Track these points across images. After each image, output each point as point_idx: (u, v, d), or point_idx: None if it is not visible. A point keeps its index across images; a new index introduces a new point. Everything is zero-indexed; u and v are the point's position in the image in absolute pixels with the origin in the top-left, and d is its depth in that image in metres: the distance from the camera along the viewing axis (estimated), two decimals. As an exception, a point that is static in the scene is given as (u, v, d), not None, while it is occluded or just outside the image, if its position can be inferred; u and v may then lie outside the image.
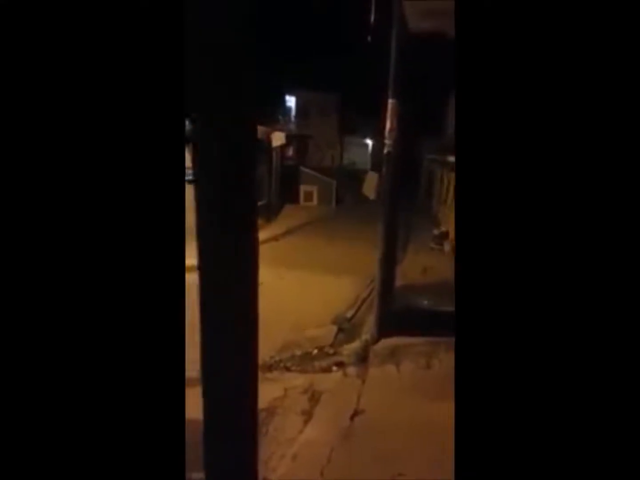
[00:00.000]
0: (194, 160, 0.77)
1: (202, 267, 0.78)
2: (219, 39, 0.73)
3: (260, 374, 3.67)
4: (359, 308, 5.15)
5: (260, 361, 3.95)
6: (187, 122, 0.77)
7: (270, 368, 3.66)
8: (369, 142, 21.64)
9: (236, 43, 0.73)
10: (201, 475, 1.86)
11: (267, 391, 3.25)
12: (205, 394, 0.81)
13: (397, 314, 4.14)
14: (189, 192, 0.80)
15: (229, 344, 0.80)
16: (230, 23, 0.73)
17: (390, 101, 3.74)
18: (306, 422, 2.81)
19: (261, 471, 2.32)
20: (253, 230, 0.79)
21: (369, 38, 4.28)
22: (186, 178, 0.76)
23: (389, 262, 4.06)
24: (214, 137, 0.75)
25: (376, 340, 3.94)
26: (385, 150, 3.91)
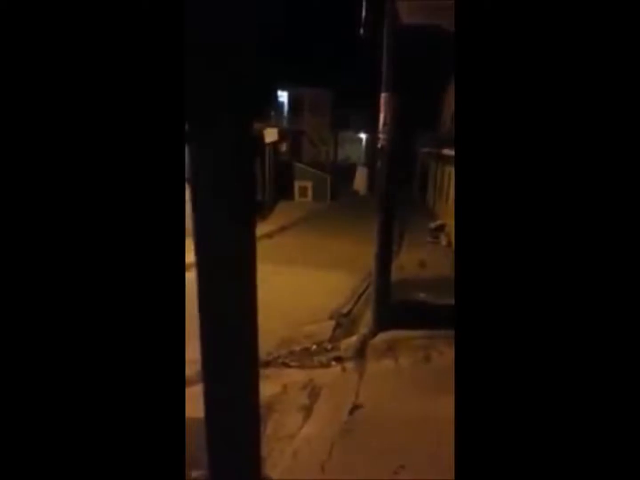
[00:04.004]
0: (192, 159, 0.77)
1: (199, 265, 0.77)
2: (218, 38, 0.72)
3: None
4: (355, 303, 5.16)
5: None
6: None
7: (268, 364, 3.66)
8: (363, 136, 21.62)
9: (236, 42, 0.72)
10: (200, 473, 1.86)
11: (266, 388, 3.26)
12: (206, 392, 0.81)
13: (394, 308, 4.15)
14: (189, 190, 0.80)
15: (229, 342, 0.80)
16: (229, 22, 0.72)
17: (383, 95, 3.73)
18: (306, 417, 2.81)
19: (262, 468, 2.33)
20: (251, 226, 0.79)
21: (361, 31, 4.25)
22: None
23: (385, 257, 4.06)
24: (211, 136, 0.74)
25: (374, 334, 3.95)
26: (379, 144, 3.90)
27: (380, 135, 3.85)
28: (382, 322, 4.00)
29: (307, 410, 2.89)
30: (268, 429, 2.70)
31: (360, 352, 3.72)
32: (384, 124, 3.78)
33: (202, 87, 0.72)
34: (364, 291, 5.37)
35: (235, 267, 0.77)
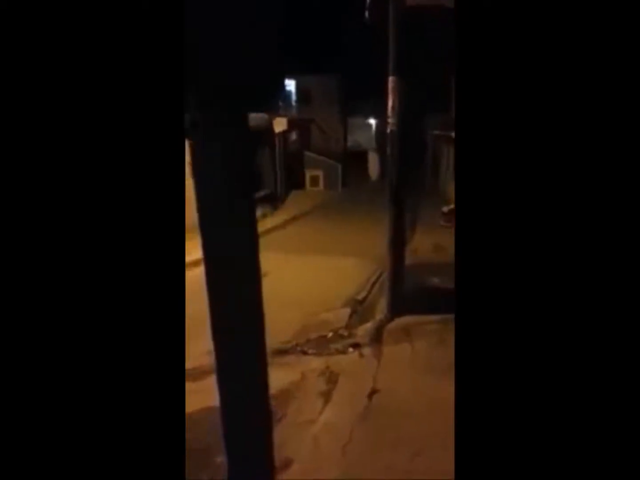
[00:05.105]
0: (192, 155, 0.77)
1: (206, 261, 0.79)
2: (219, 33, 0.72)
3: (276, 359, 3.72)
4: (370, 289, 5.17)
5: (275, 346, 4.00)
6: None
7: (286, 353, 3.72)
8: (373, 122, 21.34)
9: (237, 38, 0.73)
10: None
11: (285, 375, 3.32)
12: (219, 382, 0.83)
13: (408, 293, 4.15)
14: (189, 189, 0.80)
15: (237, 333, 0.81)
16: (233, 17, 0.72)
17: (390, 78, 3.67)
18: (325, 403, 2.86)
19: (281, 453, 2.39)
20: (252, 221, 0.80)
21: (366, 15, 4.17)
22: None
23: (398, 242, 4.05)
24: (212, 131, 0.74)
25: (389, 320, 3.96)
26: (388, 129, 3.86)
27: (389, 120, 3.81)
28: (397, 307, 4.01)
29: (326, 396, 2.94)
30: (288, 415, 2.76)
31: (376, 338, 3.75)
32: (393, 108, 3.73)
33: (199, 83, 0.72)
34: (378, 277, 5.38)
35: (239, 260, 0.78)
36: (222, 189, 0.76)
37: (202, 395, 2.08)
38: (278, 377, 3.38)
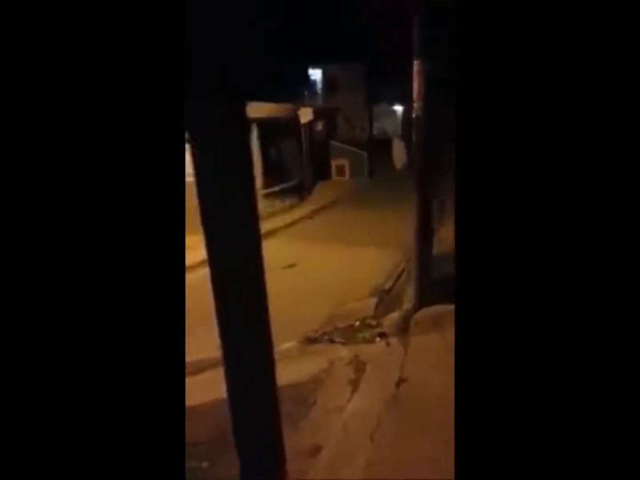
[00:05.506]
0: (193, 155, 0.77)
1: (210, 260, 0.79)
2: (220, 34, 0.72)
3: (304, 347, 3.77)
4: (397, 279, 5.13)
5: (303, 335, 4.05)
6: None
7: (314, 341, 3.76)
8: (399, 108, 20.90)
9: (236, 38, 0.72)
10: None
11: (313, 363, 3.37)
12: (227, 376, 0.84)
13: (436, 283, 4.09)
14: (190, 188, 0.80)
15: (243, 328, 0.82)
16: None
17: (415, 62, 3.58)
18: (353, 391, 2.89)
19: (311, 439, 2.44)
20: (254, 218, 0.80)
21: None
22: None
23: (425, 231, 3.99)
24: (210, 131, 0.74)
25: (417, 309, 3.93)
26: (414, 114, 3.77)
27: (415, 105, 3.72)
28: (425, 297, 3.97)
29: (354, 384, 2.97)
30: (317, 402, 2.81)
31: (404, 328, 3.73)
32: (418, 92, 3.64)
33: (198, 82, 0.72)
34: (404, 267, 5.33)
35: (243, 258, 0.78)
36: (221, 184, 0.76)
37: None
38: (307, 365, 3.44)
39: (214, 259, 0.79)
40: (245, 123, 0.79)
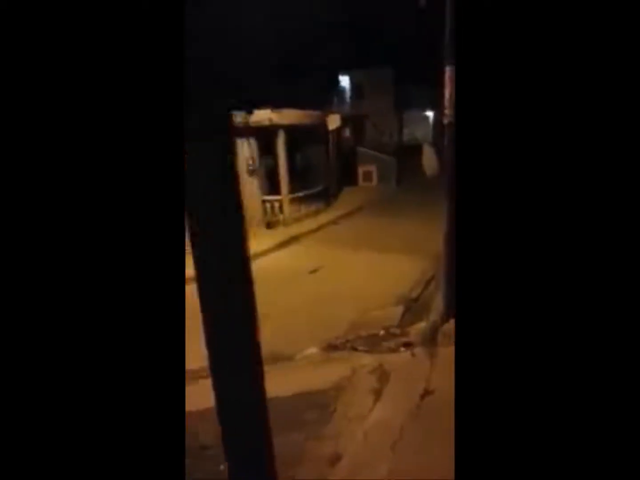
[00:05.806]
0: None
1: (197, 269, 0.79)
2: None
3: (327, 354, 3.71)
4: (425, 287, 5.03)
5: (326, 342, 3.99)
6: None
7: (337, 348, 3.73)
8: (430, 114, 20.63)
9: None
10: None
11: (335, 370, 3.33)
12: (214, 386, 0.83)
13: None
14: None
15: (229, 338, 0.82)
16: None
17: (447, 68, 3.52)
18: (376, 400, 2.84)
19: (332, 447, 2.41)
20: (241, 228, 0.79)
21: (422, 1, 4.03)
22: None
23: (454, 240, 3.89)
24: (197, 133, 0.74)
25: (445, 320, 3.83)
26: (445, 121, 3.71)
27: (446, 112, 3.66)
28: (454, 307, 3.86)
29: (377, 394, 2.92)
30: (338, 410, 2.78)
31: (430, 338, 3.64)
32: (450, 98, 3.58)
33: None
34: (433, 275, 5.22)
35: (231, 269, 0.78)
36: (208, 190, 0.76)
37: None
38: (329, 372, 3.41)
39: (200, 267, 0.79)
40: (230, 132, 0.79)
